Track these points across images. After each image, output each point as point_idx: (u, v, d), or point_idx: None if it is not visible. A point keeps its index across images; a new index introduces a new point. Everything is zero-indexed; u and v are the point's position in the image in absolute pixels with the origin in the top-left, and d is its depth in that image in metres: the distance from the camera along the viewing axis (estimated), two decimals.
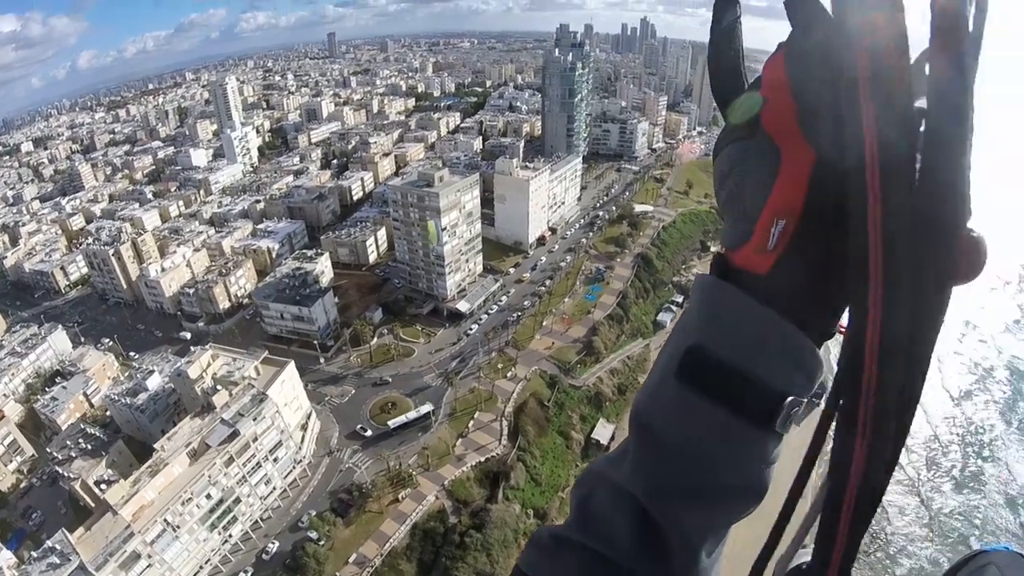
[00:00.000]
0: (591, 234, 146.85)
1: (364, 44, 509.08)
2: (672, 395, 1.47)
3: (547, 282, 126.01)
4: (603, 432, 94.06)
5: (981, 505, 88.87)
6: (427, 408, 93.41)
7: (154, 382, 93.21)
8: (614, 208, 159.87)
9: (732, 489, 1.48)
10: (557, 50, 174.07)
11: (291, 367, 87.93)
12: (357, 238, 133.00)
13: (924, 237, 1.11)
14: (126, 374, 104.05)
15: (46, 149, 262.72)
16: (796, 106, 1.31)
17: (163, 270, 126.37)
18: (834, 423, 1.30)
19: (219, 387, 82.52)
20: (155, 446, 75.20)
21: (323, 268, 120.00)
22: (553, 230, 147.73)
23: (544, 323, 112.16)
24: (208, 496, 73.09)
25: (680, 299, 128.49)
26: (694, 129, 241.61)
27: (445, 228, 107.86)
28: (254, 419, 78.03)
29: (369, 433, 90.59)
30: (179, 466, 72.67)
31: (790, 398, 1.37)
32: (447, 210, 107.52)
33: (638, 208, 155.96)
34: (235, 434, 76.11)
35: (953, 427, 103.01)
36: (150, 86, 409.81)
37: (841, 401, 1.25)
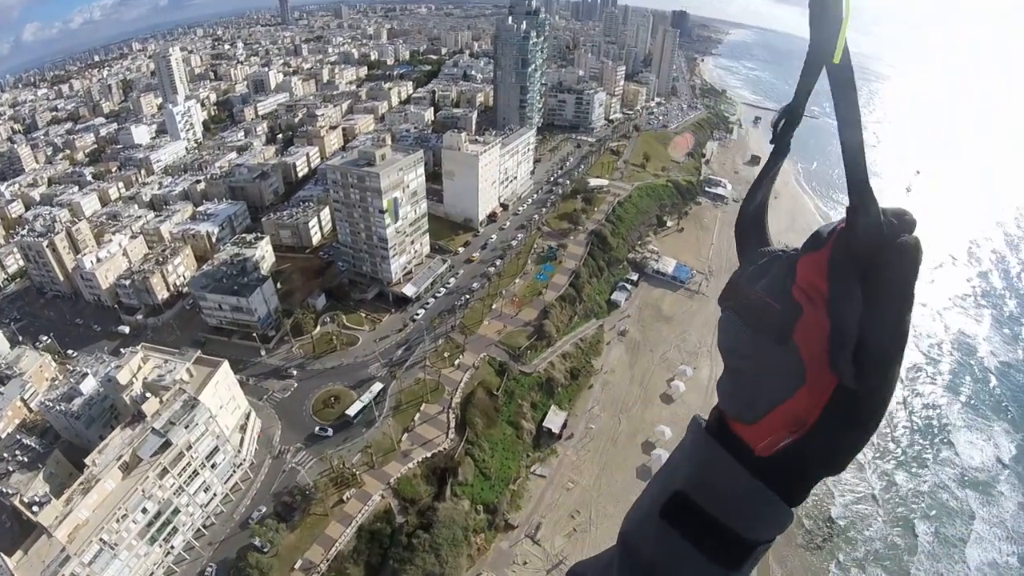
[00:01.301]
0: (544, 210, 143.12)
1: (318, 10, 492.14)
2: (656, 529, 1.62)
3: (497, 262, 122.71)
4: (555, 420, 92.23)
5: (927, 487, 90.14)
6: (378, 387, 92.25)
7: (88, 386, 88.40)
8: (568, 182, 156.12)
9: None
10: (510, 18, 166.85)
11: (225, 367, 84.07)
12: (299, 220, 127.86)
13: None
14: (62, 376, 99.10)
15: None
16: (831, 331, 1.35)
17: (98, 261, 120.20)
18: None
19: (148, 394, 78.30)
20: (86, 461, 71.86)
21: (263, 253, 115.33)
22: (505, 206, 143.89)
23: (494, 306, 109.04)
24: (144, 510, 70.08)
25: (635, 277, 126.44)
26: (652, 100, 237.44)
27: (387, 210, 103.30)
28: (186, 427, 74.37)
29: (330, 433, 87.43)
30: (112, 481, 69.51)
31: (760, 548, 1.53)
32: (389, 190, 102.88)
33: (593, 182, 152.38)
34: (167, 444, 72.56)
35: (904, 407, 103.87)
36: (96, 58, 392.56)
37: None
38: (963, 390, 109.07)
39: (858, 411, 1.38)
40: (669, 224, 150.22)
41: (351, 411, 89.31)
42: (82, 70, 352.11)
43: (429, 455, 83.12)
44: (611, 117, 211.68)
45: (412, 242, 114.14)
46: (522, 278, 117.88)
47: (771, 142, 1.95)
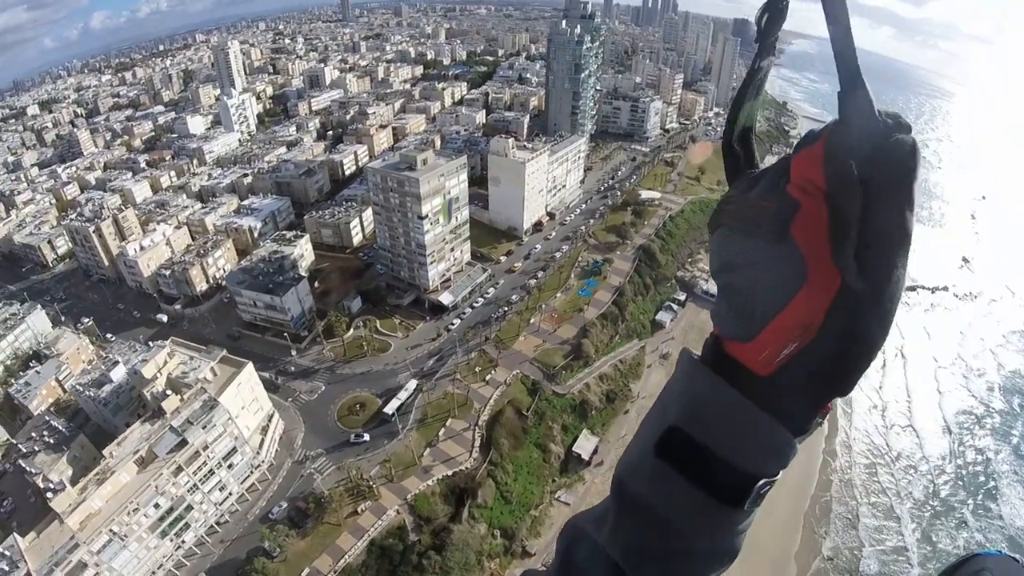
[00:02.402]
0: (592, 221, 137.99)
1: (379, 8, 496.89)
2: (651, 469, 1.56)
3: (539, 274, 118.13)
4: (586, 445, 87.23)
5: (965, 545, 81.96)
6: (413, 384, 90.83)
7: (118, 374, 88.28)
8: (619, 193, 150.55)
9: (704, 554, 1.60)
10: (564, 21, 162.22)
11: (249, 368, 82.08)
12: (341, 219, 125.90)
13: None
14: (97, 360, 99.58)
15: (51, 113, 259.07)
16: (830, 220, 1.32)
17: (142, 249, 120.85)
18: None
19: (169, 392, 77.35)
20: (103, 452, 72.33)
21: (303, 252, 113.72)
22: (552, 215, 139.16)
23: (532, 320, 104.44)
24: (156, 506, 69.69)
25: (683, 297, 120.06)
26: (711, 110, 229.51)
27: (427, 216, 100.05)
28: (204, 427, 73.14)
29: (366, 438, 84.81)
30: (127, 474, 69.31)
31: (762, 481, 1.49)
32: (429, 196, 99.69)
33: (644, 194, 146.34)
34: (184, 443, 71.72)
35: (949, 454, 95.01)
36: (161, 48, 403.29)
37: None
38: (1014, 437, 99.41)
39: (863, 315, 1.33)
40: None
41: (388, 409, 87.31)
42: (146, 59, 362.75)
43: (450, 473, 79.44)
44: (667, 127, 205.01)
45: (452, 249, 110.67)
46: (564, 292, 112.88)
47: (755, 40, 1.81)
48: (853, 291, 1.32)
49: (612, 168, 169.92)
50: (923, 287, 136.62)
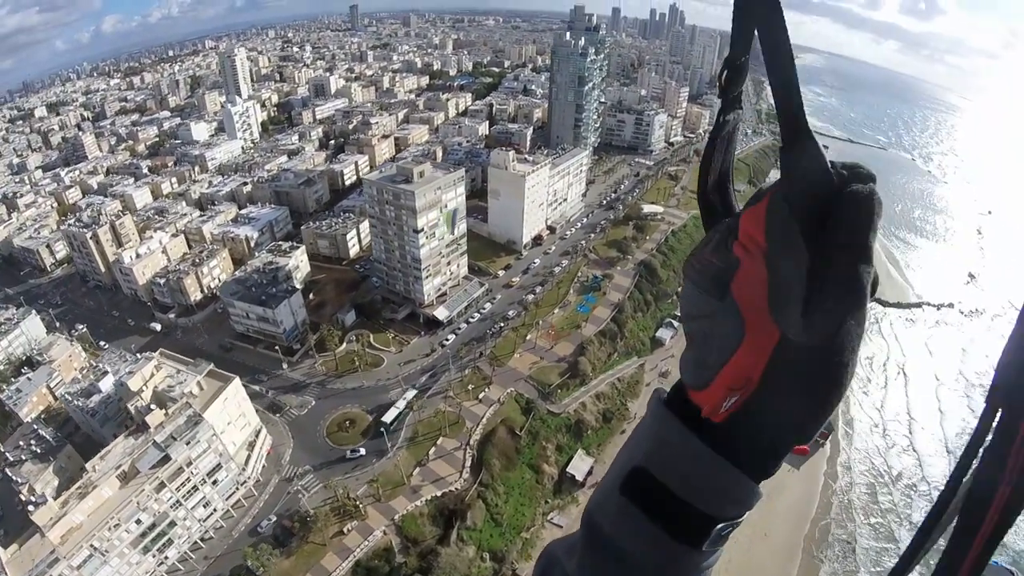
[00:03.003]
0: (592, 235, 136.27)
1: (388, 18, 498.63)
2: (617, 506, 1.61)
3: (537, 289, 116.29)
4: (580, 466, 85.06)
5: None
6: (412, 393, 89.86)
7: (107, 384, 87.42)
8: (621, 207, 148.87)
9: None
10: (568, 33, 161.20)
11: (236, 384, 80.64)
12: (337, 231, 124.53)
13: None
14: (88, 368, 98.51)
15: (58, 115, 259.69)
16: (768, 278, 1.34)
17: (137, 256, 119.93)
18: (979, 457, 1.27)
19: (153, 406, 75.95)
20: (86, 466, 71.63)
21: (298, 263, 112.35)
22: (552, 229, 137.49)
23: (528, 337, 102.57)
24: (138, 521, 68.68)
25: None
26: None
27: (422, 230, 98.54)
28: (187, 443, 71.92)
29: (362, 452, 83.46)
30: (109, 489, 68.47)
31: (720, 524, 1.53)
32: (424, 210, 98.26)
33: (647, 208, 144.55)
34: (166, 459, 70.16)
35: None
36: (170, 53, 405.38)
37: (982, 460, 1.25)
38: None
39: (809, 367, 1.34)
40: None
41: (387, 418, 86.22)
42: (155, 64, 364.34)
43: (439, 494, 77.66)
44: (671, 140, 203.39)
45: (448, 263, 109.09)
46: (562, 308, 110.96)
47: (718, 96, 1.82)
48: (797, 346, 1.33)
49: (615, 182, 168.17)
50: (929, 304, 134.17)
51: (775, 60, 1.37)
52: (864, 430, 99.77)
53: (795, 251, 1.29)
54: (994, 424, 1.21)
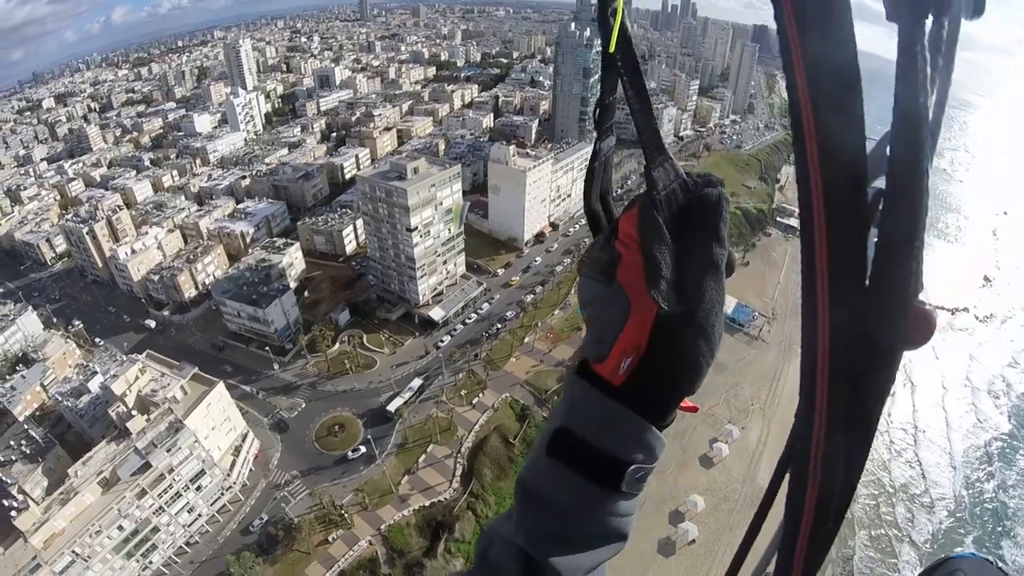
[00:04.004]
0: None
1: (397, 8, 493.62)
2: (544, 466, 1.84)
3: (537, 289, 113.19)
4: None
5: None
6: (418, 383, 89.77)
7: (96, 384, 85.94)
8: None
9: (594, 537, 1.85)
10: (574, 23, 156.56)
11: (220, 388, 78.62)
12: (334, 227, 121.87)
13: (878, 318, 1.32)
14: (81, 367, 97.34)
15: (66, 106, 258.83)
16: (644, 265, 1.68)
17: (133, 252, 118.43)
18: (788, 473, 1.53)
19: (135, 412, 74.32)
20: (68, 471, 70.75)
21: (292, 260, 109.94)
22: (555, 225, 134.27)
23: (526, 339, 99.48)
24: (120, 528, 67.66)
25: None
26: (727, 117, 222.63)
27: (416, 228, 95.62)
28: (168, 450, 70.19)
29: (363, 451, 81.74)
30: (91, 495, 67.64)
31: (633, 467, 1.76)
32: (418, 207, 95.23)
33: None
34: (147, 466, 68.48)
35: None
36: (179, 43, 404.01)
37: (792, 461, 1.48)
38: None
39: (683, 330, 1.67)
40: (734, 256, 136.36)
41: (391, 407, 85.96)
42: (163, 54, 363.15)
43: (427, 504, 75.06)
44: (681, 134, 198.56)
45: (445, 262, 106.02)
46: (562, 310, 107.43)
47: (592, 129, 2.18)
48: (672, 315, 1.66)
49: (622, 176, 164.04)
50: (943, 308, 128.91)
51: (636, 104, 1.76)
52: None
53: (662, 242, 1.65)
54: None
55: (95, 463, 69.95)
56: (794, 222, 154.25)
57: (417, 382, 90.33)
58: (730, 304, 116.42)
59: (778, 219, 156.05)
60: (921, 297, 1.29)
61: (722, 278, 1.75)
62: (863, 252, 1.30)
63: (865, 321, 1.31)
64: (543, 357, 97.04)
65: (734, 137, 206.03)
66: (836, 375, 1.36)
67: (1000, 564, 1.92)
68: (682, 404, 1.90)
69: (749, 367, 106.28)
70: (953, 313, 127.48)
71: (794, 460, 1.47)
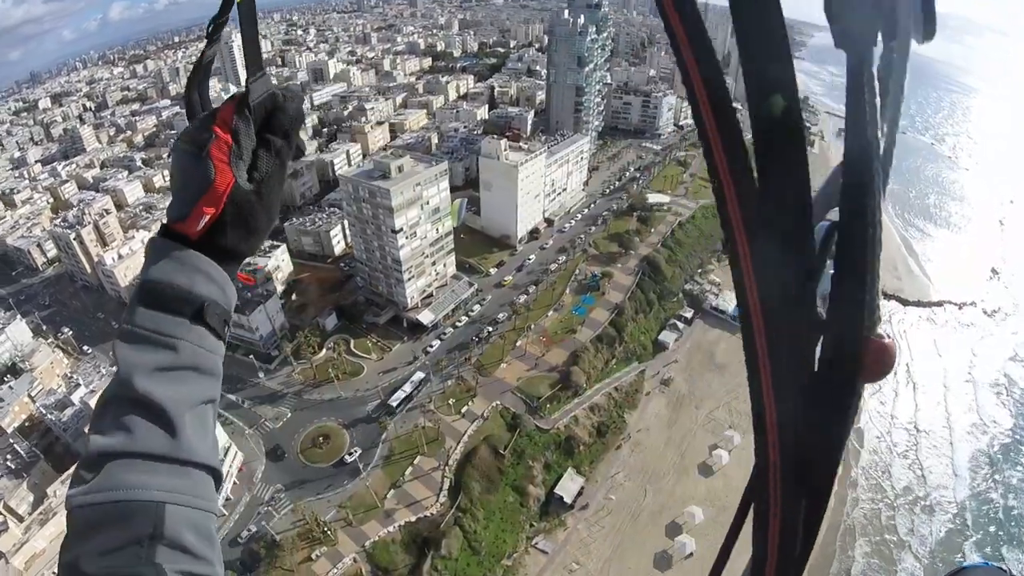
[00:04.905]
0: (593, 228, 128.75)
1: None
2: (139, 314, 1.95)
3: (531, 289, 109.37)
4: (570, 486, 78.96)
5: None
6: (419, 376, 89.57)
7: (79, 397, 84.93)
8: (625, 196, 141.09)
9: (191, 368, 1.95)
10: (567, 10, 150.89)
11: None
12: (321, 227, 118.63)
13: (833, 350, 1.32)
14: (67, 376, 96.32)
15: (61, 106, 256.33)
16: (232, 146, 2.03)
17: (119, 257, 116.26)
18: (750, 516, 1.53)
19: None
20: (47, 491, 71.04)
21: (278, 263, 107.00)
22: (550, 221, 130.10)
23: (518, 343, 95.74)
24: None
25: (690, 314, 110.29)
26: None
27: (401, 230, 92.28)
28: None
29: (358, 452, 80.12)
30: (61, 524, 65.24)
31: (210, 301, 2.00)
32: (403, 208, 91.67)
33: (652, 198, 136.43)
34: None
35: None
36: (176, 39, 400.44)
37: (752, 501, 1.50)
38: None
39: (251, 202, 2.06)
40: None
41: (393, 400, 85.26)
42: (159, 51, 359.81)
43: (413, 519, 72.13)
44: (681, 123, 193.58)
45: (434, 263, 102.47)
46: (556, 311, 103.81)
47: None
48: (243, 190, 2.03)
49: (620, 168, 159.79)
50: (951, 302, 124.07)
51: (247, 25, 2.08)
52: (871, 438, 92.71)
53: (247, 134, 2.04)
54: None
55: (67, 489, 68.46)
56: None
57: (419, 375, 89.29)
58: (731, 301, 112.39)
59: None
60: (879, 329, 1.28)
61: (285, 169, 2.17)
62: (809, 289, 1.30)
63: (813, 354, 1.31)
64: (535, 362, 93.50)
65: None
66: (784, 412, 1.36)
67: (1014, 573, 1.92)
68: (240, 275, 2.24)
69: None
70: (960, 307, 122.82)
71: (755, 497, 1.47)
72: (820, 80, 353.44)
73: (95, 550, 1.60)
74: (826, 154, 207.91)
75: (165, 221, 2.14)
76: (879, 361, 1.30)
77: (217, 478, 1.95)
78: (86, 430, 65.27)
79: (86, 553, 1.60)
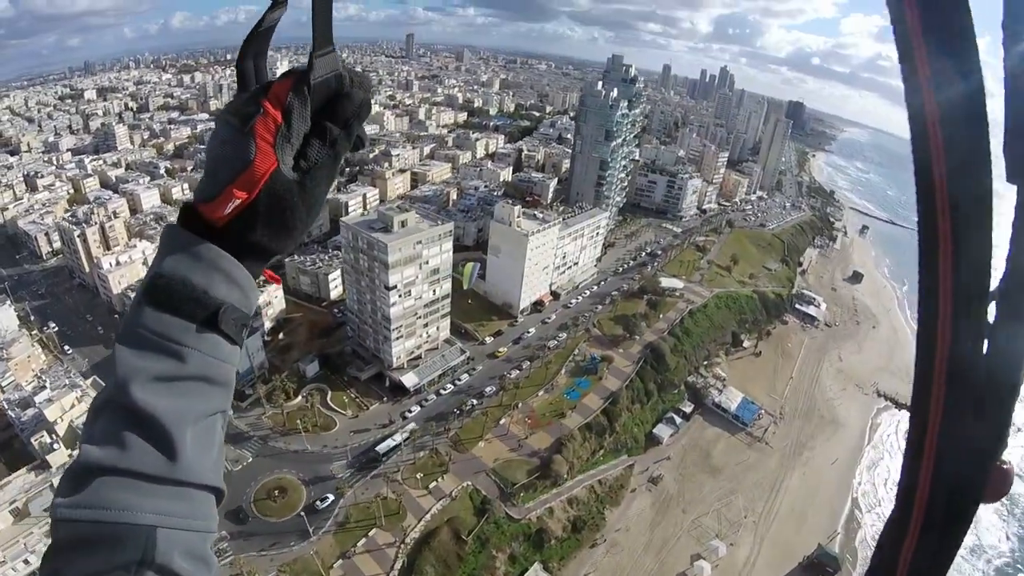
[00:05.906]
0: (600, 307, 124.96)
1: (443, 50, 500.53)
2: (145, 314, 1.80)
3: (525, 364, 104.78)
4: None
5: None
6: (411, 426, 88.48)
7: (42, 398, 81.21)
8: (636, 277, 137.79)
9: (199, 378, 1.81)
10: (601, 83, 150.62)
11: None
12: (320, 269, 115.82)
13: (965, 478, 1.41)
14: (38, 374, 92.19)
15: (105, 100, 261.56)
16: (281, 126, 1.84)
17: (117, 264, 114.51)
18: None
19: (58, 445, 69.62)
20: None
21: (271, 299, 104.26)
22: (556, 294, 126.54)
23: (502, 421, 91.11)
24: (25, 562, 63.31)
25: (690, 408, 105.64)
26: (753, 193, 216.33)
27: (395, 287, 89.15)
28: None
29: (331, 498, 77.07)
30: (2, 523, 65.58)
31: (226, 305, 1.83)
32: (399, 265, 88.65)
33: (665, 282, 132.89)
34: None
35: None
36: (228, 56, 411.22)
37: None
38: None
39: (291, 192, 1.86)
40: (746, 344, 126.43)
41: (381, 448, 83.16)
42: (209, 64, 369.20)
43: None
44: (704, 207, 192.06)
45: (426, 325, 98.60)
46: (548, 391, 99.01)
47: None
48: (285, 177, 1.85)
49: (637, 247, 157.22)
50: None
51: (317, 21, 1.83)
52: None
53: (302, 116, 1.84)
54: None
55: (10, 491, 67.84)
56: (814, 311, 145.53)
57: (411, 425, 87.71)
58: (735, 400, 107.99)
59: (797, 306, 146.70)
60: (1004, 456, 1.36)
61: (337, 165, 1.95)
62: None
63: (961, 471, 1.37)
64: (518, 444, 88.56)
65: (759, 214, 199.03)
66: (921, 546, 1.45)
67: None
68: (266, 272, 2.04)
69: (747, 473, 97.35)
70: None
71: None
72: (847, 175, 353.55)
73: (78, 571, 1.49)
74: (847, 250, 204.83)
75: (193, 198, 1.96)
76: (1000, 487, 1.38)
77: (219, 495, 1.84)
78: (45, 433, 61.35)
79: (69, 573, 1.50)
